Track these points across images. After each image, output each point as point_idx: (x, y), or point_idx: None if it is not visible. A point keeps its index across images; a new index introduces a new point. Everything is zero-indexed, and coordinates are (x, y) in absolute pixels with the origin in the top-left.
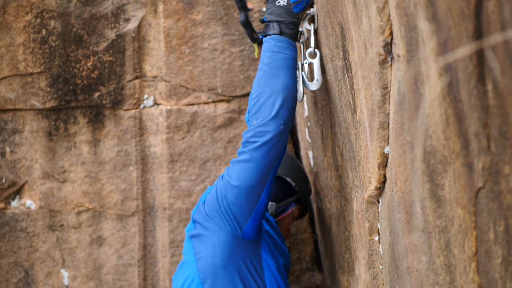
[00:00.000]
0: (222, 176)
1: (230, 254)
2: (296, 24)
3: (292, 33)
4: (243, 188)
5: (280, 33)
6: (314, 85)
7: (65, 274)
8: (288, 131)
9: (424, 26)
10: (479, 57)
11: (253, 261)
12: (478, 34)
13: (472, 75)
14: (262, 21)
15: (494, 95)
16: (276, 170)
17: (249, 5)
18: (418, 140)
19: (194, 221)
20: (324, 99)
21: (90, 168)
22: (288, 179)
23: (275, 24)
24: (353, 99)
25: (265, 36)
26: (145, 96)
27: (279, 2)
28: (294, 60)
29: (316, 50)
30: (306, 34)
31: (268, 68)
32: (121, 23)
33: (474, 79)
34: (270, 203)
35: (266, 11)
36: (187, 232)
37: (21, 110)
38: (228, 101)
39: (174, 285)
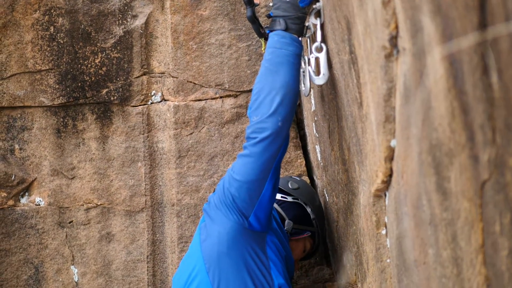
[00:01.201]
0: (230, 169)
1: (235, 242)
2: (302, 19)
3: (298, 28)
4: (244, 182)
5: (286, 28)
6: (320, 80)
7: (74, 270)
8: (287, 127)
9: (429, 19)
10: (484, 49)
11: (258, 252)
12: (483, 26)
13: (477, 68)
14: (269, 16)
15: (499, 87)
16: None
17: (256, 0)
18: (424, 133)
19: (204, 212)
20: (330, 93)
21: (99, 164)
22: (308, 210)
23: (281, 19)
24: (360, 93)
25: (271, 31)
26: (153, 92)
27: None
28: (297, 56)
29: (323, 44)
30: (312, 29)
31: (269, 64)
32: (129, 19)
33: (479, 71)
34: (287, 221)
35: (272, 6)
36: (199, 225)
37: (29, 107)
38: (235, 96)
39: (178, 279)
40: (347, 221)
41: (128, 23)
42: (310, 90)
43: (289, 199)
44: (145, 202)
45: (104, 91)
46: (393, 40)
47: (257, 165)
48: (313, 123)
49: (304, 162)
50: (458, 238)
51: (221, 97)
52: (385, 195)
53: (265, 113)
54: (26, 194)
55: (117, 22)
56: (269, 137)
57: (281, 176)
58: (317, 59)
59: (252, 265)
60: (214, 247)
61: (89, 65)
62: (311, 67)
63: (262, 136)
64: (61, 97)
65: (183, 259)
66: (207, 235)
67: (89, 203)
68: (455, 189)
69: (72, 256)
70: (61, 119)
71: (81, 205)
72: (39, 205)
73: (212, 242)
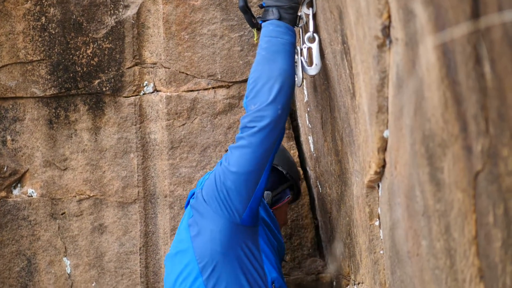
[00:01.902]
0: (221, 162)
1: (228, 240)
2: (295, 9)
3: (291, 18)
4: (241, 174)
5: (279, 18)
6: (313, 70)
7: (67, 262)
8: (286, 116)
9: (421, 8)
10: (476, 39)
11: (251, 247)
12: (475, 15)
13: (469, 57)
14: (261, 6)
15: (492, 77)
16: (274, 156)
17: None
18: (417, 124)
19: (192, 208)
20: (323, 83)
21: (91, 155)
22: (279, 168)
23: (274, 9)
24: (352, 83)
25: (264, 21)
26: (145, 82)
27: None
28: (292, 45)
29: (315, 34)
30: (304, 19)
31: (265, 52)
32: (120, 9)
33: (471, 61)
34: (265, 192)
35: None
36: (184, 221)
37: (21, 98)
38: (228, 87)
39: (168, 278)
40: (340, 212)
41: (120, 13)
42: (302, 81)
43: None
44: (138, 193)
45: (96, 81)
46: (386, 30)
47: (256, 156)
48: (306, 114)
49: (297, 153)
50: (451, 229)
51: (213, 88)
52: (378, 186)
53: (264, 101)
54: (19, 185)
55: (109, 12)
56: (269, 125)
57: None
58: (309, 49)
59: (246, 262)
60: (207, 244)
61: (81, 56)
62: (304, 57)
63: (262, 124)
64: (53, 88)
65: (170, 256)
66: (198, 231)
67: (81, 194)
68: (448, 180)
69: (65, 248)
70: (53, 110)
71: (73, 196)
72: (32, 196)
73: (204, 239)
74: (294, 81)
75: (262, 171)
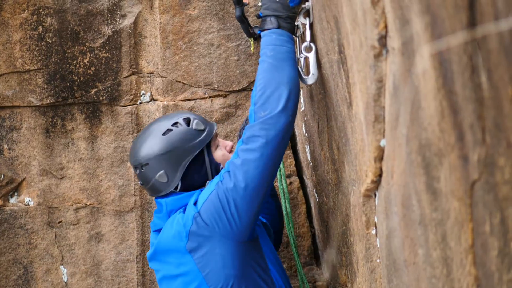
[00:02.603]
0: (221, 181)
1: (241, 262)
2: (293, 18)
3: (290, 27)
4: (253, 188)
5: (278, 27)
6: (310, 79)
7: (64, 270)
8: (294, 122)
9: (418, 18)
10: (473, 48)
11: (259, 260)
12: (472, 24)
13: (466, 67)
14: (259, 16)
15: (489, 86)
16: None
17: (245, 0)
18: (414, 133)
19: (191, 235)
20: (320, 93)
21: (88, 164)
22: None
23: (272, 19)
24: (349, 92)
25: (262, 30)
26: (142, 92)
27: None
28: (295, 53)
29: (312, 44)
30: (301, 28)
31: (272, 60)
32: (117, 19)
33: (468, 71)
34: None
35: (261, 6)
36: (174, 243)
37: (18, 107)
38: (225, 96)
39: None
40: (337, 221)
41: (117, 23)
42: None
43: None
44: (135, 202)
45: (93, 91)
46: (383, 39)
47: (269, 166)
48: (303, 123)
49: (294, 162)
50: (448, 238)
51: (210, 97)
52: (375, 195)
53: (275, 108)
54: (15, 194)
55: (106, 21)
56: (281, 133)
57: None
58: (306, 58)
59: (257, 278)
60: (220, 271)
61: (77, 65)
62: (301, 67)
63: (274, 133)
64: (49, 97)
65: (167, 278)
66: (205, 258)
67: (78, 203)
68: (444, 189)
69: (62, 256)
70: (50, 119)
71: (70, 205)
72: (28, 205)
73: (216, 267)
74: (299, 88)
75: (272, 181)
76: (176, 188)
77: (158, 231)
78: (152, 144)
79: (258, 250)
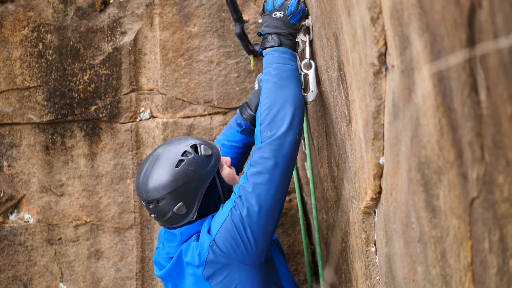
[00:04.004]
0: (234, 207)
1: (259, 285)
2: (294, 35)
3: (291, 44)
4: (267, 211)
5: (280, 44)
6: (309, 96)
7: (63, 287)
8: (300, 139)
9: (417, 35)
10: (472, 66)
11: (276, 279)
12: (471, 43)
13: (465, 85)
14: (260, 34)
15: (487, 104)
16: None
17: (245, 17)
18: (413, 151)
19: (206, 262)
20: (319, 110)
21: (87, 181)
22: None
23: (274, 36)
24: (348, 110)
25: (264, 48)
26: (142, 109)
27: (275, 14)
28: (298, 70)
29: (311, 61)
30: (301, 46)
31: (277, 79)
32: (117, 36)
33: (467, 88)
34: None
35: (262, 23)
36: (189, 272)
37: (18, 124)
38: (224, 113)
39: None
40: (336, 238)
41: (117, 40)
42: None
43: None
44: (134, 219)
45: (93, 108)
46: (382, 57)
47: (281, 186)
48: (302, 140)
49: (293, 179)
50: (447, 256)
51: (209, 114)
52: (374, 212)
53: (281, 127)
54: (15, 211)
55: (106, 38)
56: (290, 152)
57: None
58: (305, 76)
59: None
60: None
61: (77, 82)
62: (301, 84)
63: (283, 153)
64: (49, 114)
65: None
66: (224, 285)
67: (78, 220)
68: (444, 206)
69: (61, 273)
70: (50, 136)
71: (70, 222)
72: (28, 222)
73: None
74: (304, 105)
75: (284, 199)
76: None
77: (171, 258)
78: (167, 178)
79: (274, 269)
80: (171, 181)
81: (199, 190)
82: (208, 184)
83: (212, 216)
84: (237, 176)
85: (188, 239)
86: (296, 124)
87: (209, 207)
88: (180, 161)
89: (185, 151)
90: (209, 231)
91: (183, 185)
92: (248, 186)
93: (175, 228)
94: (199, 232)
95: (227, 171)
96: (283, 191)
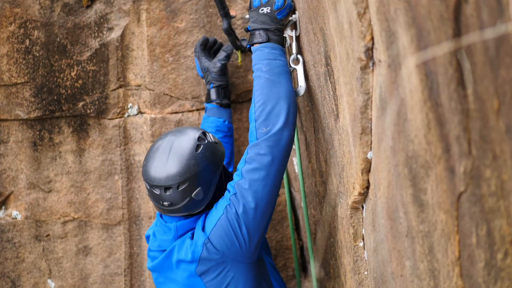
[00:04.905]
0: (229, 205)
1: (251, 282)
2: (281, 31)
3: (279, 40)
4: (264, 206)
5: (268, 40)
6: (298, 92)
7: (51, 284)
8: (294, 135)
9: (403, 30)
10: (459, 61)
11: (266, 278)
12: (457, 37)
13: (452, 79)
14: (247, 30)
15: (474, 98)
16: None
17: (232, 13)
18: (400, 145)
19: (200, 259)
20: (307, 105)
21: (75, 177)
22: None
23: (261, 32)
24: (336, 105)
25: (252, 44)
26: (129, 105)
27: (262, 10)
28: (287, 65)
29: (299, 56)
30: (288, 41)
31: (269, 75)
32: (105, 32)
33: (454, 83)
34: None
35: (249, 19)
36: (182, 268)
37: (5, 120)
38: None
39: None
40: (325, 233)
41: (104, 36)
42: None
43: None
44: (122, 215)
45: (80, 104)
46: (369, 52)
47: (277, 182)
48: None
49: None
50: (435, 250)
51: (197, 110)
52: (363, 207)
53: (276, 123)
54: (3, 207)
55: (93, 34)
56: (285, 148)
57: None
58: (293, 71)
59: None
60: None
61: (65, 78)
62: None
63: (279, 149)
64: (37, 110)
65: None
66: (217, 281)
67: (66, 216)
68: (431, 201)
69: (49, 270)
70: (37, 132)
71: (58, 218)
72: (16, 218)
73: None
74: (296, 101)
75: (277, 194)
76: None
77: (163, 251)
78: (189, 161)
79: (264, 267)
80: (193, 164)
81: (215, 176)
82: (220, 171)
83: (207, 214)
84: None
85: (182, 234)
86: (291, 120)
87: (214, 197)
88: (198, 145)
89: (199, 137)
90: (203, 229)
91: (204, 169)
92: (243, 183)
93: (170, 222)
94: (194, 228)
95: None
96: (278, 187)
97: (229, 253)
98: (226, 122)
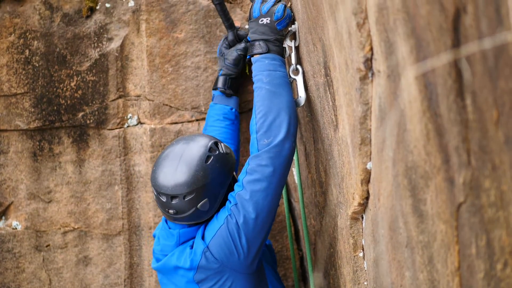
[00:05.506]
0: (229, 215)
1: None
2: (281, 41)
3: (279, 50)
4: (264, 217)
5: (268, 51)
6: (298, 102)
7: None
8: (295, 146)
9: (403, 41)
10: (458, 71)
11: (263, 285)
12: (456, 48)
13: (451, 90)
14: (247, 41)
15: (473, 109)
16: None
17: (237, 24)
18: (400, 156)
19: (198, 267)
20: (307, 115)
21: (75, 188)
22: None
23: (261, 43)
24: (335, 115)
25: (252, 55)
26: (129, 115)
27: (262, 21)
28: (288, 76)
29: (298, 66)
30: (288, 51)
31: (270, 86)
32: (104, 42)
33: (453, 93)
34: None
35: (249, 30)
36: (180, 274)
37: (5, 131)
38: None
39: None
40: (325, 243)
41: (104, 46)
42: None
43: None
44: (122, 225)
45: (80, 114)
46: (368, 62)
47: (277, 193)
48: None
49: None
50: (435, 261)
51: (197, 120)
52: (362, 218)
53: (278, 135)
54: (3, 218)
55: (93, 45)
56: (286, 159)
57: None
58: (293, 81)
59: None
60: None
61: (64, 89)
62: None
63: (281, 160)
64: (36, 121)
65: None
66: (215, 287)
67: (66, 226)
68: (431, 211)
69: (49, 280)
70: (37, 143)
71: (58, 228)
72: (16, 229)
73: None
74: (297, 112)
75: (278, 205)
76: None
77: (165, 255)
78: (198, 173)
79: (263, 278)
80: (202, 175)
81: (223, 188)
82: (230, 181)
83: (207, 223)
84: None
85: (184, 242)
86: (293, 131)
87: (220, 207)
88: (209, 157)
89: (210, 148)
90: (203, 238)
91: (212, 181)
92: (244, 193)
93: (173, 229)
94: (194, 237)
95: None
96: (279, 198)
97: (228, 262)
98: (234, 110)
